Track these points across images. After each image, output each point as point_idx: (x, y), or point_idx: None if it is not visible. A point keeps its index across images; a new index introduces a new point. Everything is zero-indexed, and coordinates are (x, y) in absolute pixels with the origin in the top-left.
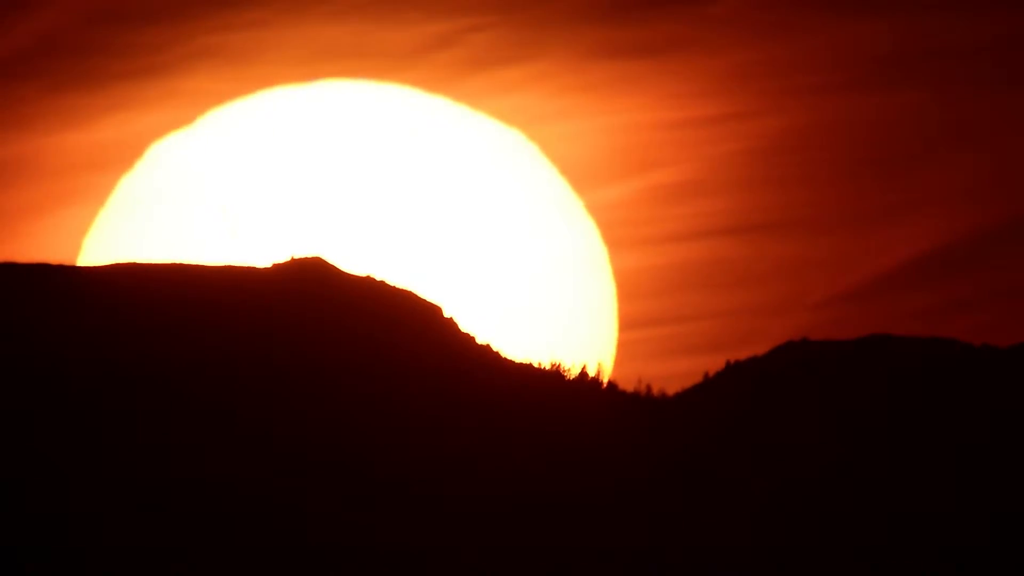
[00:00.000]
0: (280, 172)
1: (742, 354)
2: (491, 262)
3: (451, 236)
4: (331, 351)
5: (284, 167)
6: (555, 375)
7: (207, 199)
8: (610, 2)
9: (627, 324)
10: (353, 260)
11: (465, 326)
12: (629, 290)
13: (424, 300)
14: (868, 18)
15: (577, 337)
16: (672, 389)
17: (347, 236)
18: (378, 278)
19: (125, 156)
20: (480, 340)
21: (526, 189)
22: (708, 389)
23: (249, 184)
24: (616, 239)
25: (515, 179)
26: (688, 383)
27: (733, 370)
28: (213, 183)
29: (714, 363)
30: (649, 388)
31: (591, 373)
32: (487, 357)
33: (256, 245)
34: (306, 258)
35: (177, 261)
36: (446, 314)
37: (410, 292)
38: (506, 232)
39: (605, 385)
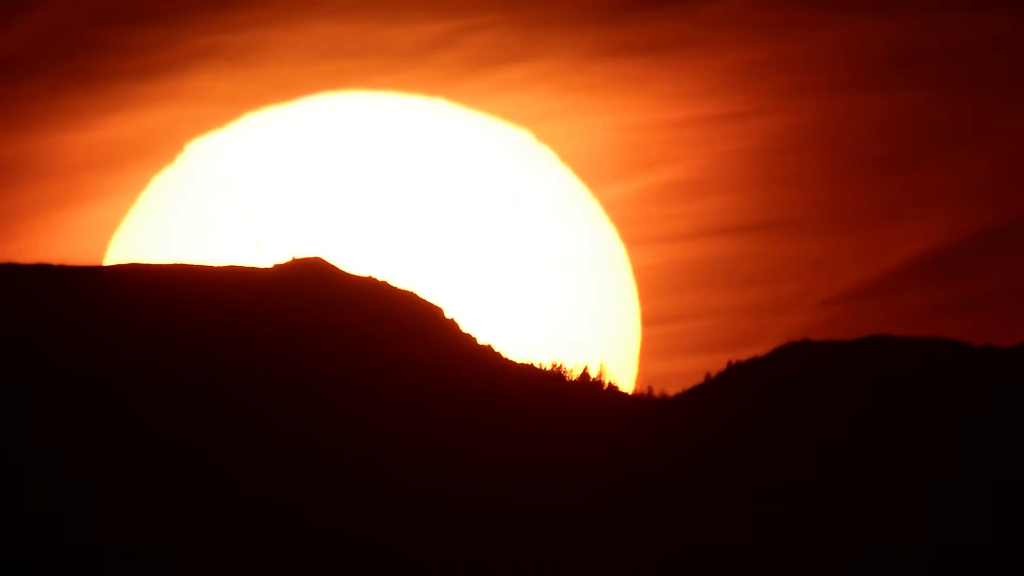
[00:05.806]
0: (303, 179)
1: (744, 353)
2: (516, 264)
3: (476, 239)
4: (327, 350)
5: (307, 174)
6: (556, 376)
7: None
8: (612, 1)
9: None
10: (371, 263)
11: (466, 327)
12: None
13: (425, 301)
14: (870, 18)
15: (602, 335)
16: (674, 389)
17: (368, 241)
18: (380, 279)
19: (134, 156)
20: (481, 341)
21: (544, 190)
22: (709, 390)
23: (272, 190)
24: (622, 238)
25: (533, 180)
26: (690, 383)
27: (734, 371)
28: (238, 190)
29: (716, 362)
30: (650, 389)
31: (592, 374)
32: (487, 358)
33: (279, 250)
34: (306, 258)
35: (179, 262)
36: (447, 315)
37: (411, 293)
38: (529, 233)
39: (606, 386)
